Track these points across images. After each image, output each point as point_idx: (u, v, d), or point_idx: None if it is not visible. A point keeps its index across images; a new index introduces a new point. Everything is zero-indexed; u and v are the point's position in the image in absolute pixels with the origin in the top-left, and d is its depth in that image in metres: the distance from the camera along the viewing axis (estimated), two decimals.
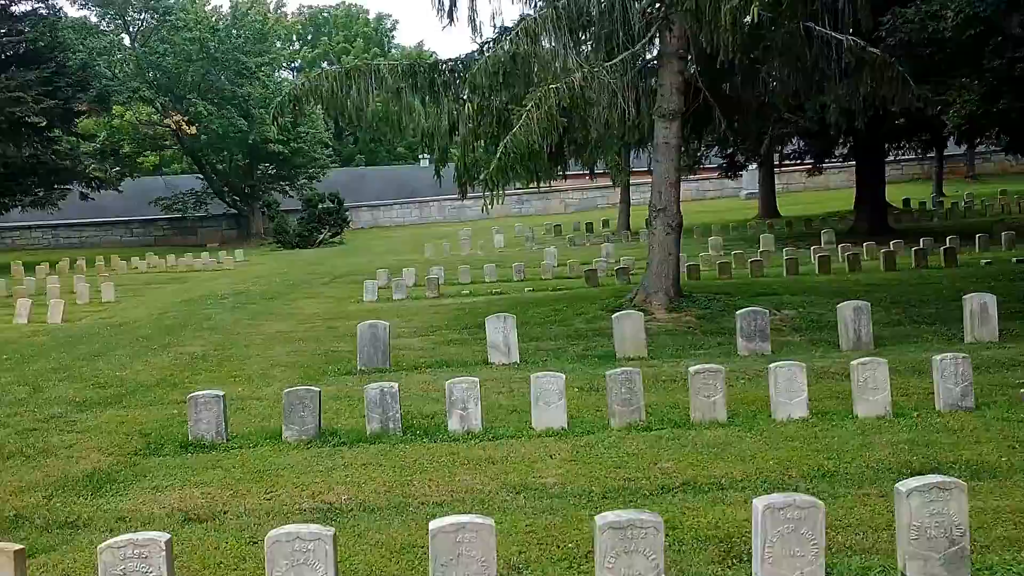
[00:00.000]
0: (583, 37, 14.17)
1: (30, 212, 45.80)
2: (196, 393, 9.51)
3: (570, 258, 28.99)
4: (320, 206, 48.07)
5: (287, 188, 53.45)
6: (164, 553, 5.05)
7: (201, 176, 53.01)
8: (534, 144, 12.22)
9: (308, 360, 14.63)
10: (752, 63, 15.44)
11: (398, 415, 9.51)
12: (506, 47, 13.00)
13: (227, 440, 9.43)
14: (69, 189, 44.18)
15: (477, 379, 9.60)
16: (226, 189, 52.76)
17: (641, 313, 13.73)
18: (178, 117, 46.26)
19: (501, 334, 13.58)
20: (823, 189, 54.23)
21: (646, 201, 48.93)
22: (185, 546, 6.59)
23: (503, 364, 13.39)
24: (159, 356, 15.15)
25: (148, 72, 47.53)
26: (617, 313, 13.72)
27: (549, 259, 28.99)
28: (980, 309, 13.09)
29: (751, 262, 23.13)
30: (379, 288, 23.49)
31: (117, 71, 47.07)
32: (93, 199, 45.95)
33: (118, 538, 5.12)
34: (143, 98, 47.50)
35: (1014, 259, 22.16)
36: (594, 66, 13.41)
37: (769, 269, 23.62)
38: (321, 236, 47.71)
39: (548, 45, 13.46)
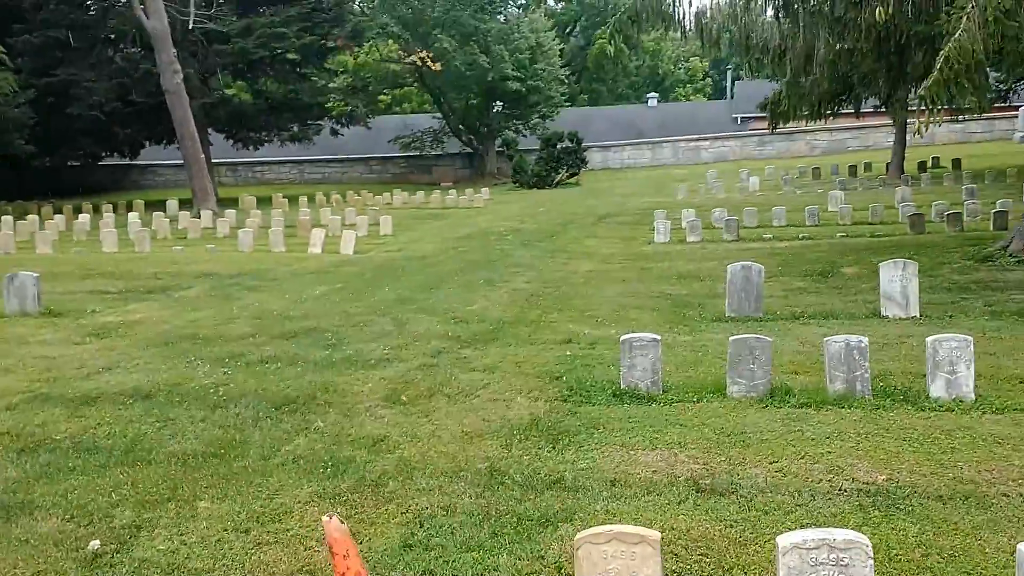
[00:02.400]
0: None
1: (279, 148, 47.27)
2: (631, 336, 8.31)
3: (861, 203, 26.35)
4: (559, 145, 46.94)
5: (520, 127, 52.75)
6: (870, 561, 3.74)
7: (438, 115, 53.11)
8: (979, 53, 10.18)
9: (652, 303, 13.35)
10: None
11: (867, 375, 7.98)
12: None
13: (663, 391, 8.21)
14: (322, 125, 45.16)
15: (970, 338, 7.88)
16: (462, 127, 52.62)
17: None
18: (423, 53, 46.08)
19: (899, 283, 11.75)
20: None
21: (923, 143, 44.40)
22: (720, 528, 5.38)
23: (901, 318, 11.60)
24: (493, 291, 14.31)
25: (395, 7, 47.55)
26: None
27: (834, 203, 26.59)
28: None
29: None
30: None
31: (366, 7, 47.42)
32: (342, 135, 46.88)
33: (804, 535, 3.85)
34: (391, 34, 47.69)
35: None
36: None
37: None
38: (559, 176, 46.71)
39: None
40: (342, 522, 4.12)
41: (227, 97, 41.15)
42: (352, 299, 13.65)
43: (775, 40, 14.63)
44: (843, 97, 17.48)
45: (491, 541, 5.37)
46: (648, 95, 69.56)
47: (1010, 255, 15.12)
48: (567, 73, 57.11)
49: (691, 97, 79.76)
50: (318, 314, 12.40)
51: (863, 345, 7.97)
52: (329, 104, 45.58)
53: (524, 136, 52.40)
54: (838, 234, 21.03)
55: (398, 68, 49.93)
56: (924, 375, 8.51)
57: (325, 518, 4.12)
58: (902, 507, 5.62)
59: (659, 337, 8.32)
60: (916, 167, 38.93)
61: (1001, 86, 32.43)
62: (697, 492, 6.03)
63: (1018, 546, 3.70)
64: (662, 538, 4.16)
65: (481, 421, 7.61)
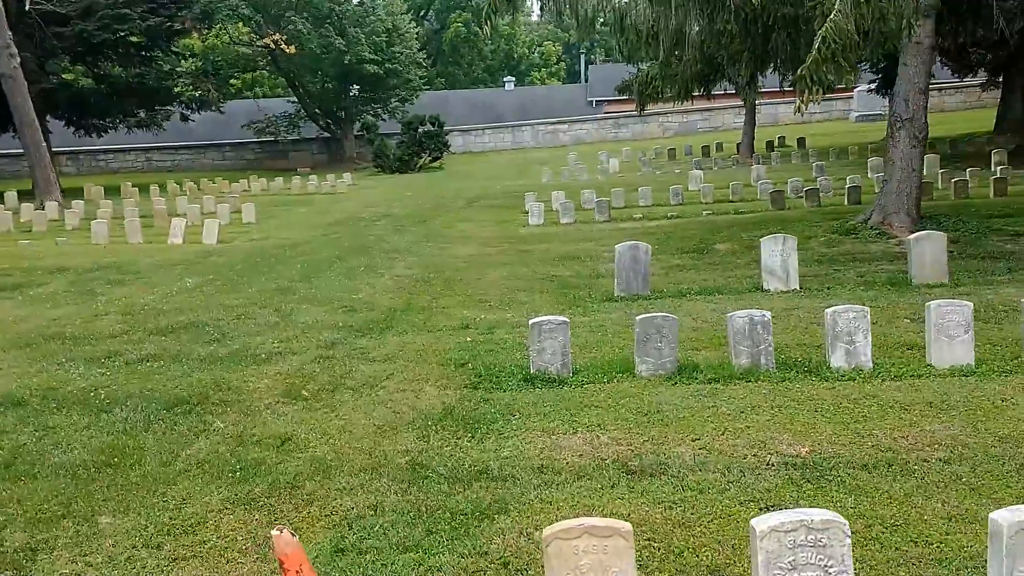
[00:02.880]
0: None
1: (124, 135, 44.87)
2: (540, 319, 8.16)
3: (720, 181, 27.08)
4: (420, 129, 46.39)
5: (379, 111, 51.88)
6: (848, 540, 3.69)
7: (293, 99, 51.61)
8: (852, 34, 10.49)
9: (540, 286, 13.28)
10: None
11: (771, 348, 8.10)
12: None
13: (572, 373, 8.10)
14: (171, 110, 43.12)
15: (867, 308, 8.11)
16: (318, 112, 51.31)
17: (943, 234, 12.08)
18: (276, 36, 44.59)
19: (779, 258, 12.08)
20: (936, 111, 50.84)
21: (767, 123, 45.87)
22: (659, 511, 5.32)
23: (782, 291, 11.93)
24: (376, 278, 13.90)
25: None
26: (915, 235, 12.11)
27: (695, 182, 27.25)
28: None
29: (994, 181, 21.06)
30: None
31: None
32: (193, 121, 44.95)
33: (781, 517, 3.76)
34: (241, 16, 45.91)
35: None
36: None
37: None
38: (421, 160, 46.19)
39: None
40: (293, 535, 3.78)
41: (66, 82, 38.64)
42: (228, 291, 12.98)
43: (648, 22, 14.71)
44: (711, 78, 17.93)
45: (428, 539, 5.11)
46: (505, 78, 69.80)
47: (871, 228, 15.80)
48: (424, 56, 56.46)
49: (546, 81, 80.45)
50: (194, 307, 11.72)
51: (766, 319, 8.09)
52: (178, 88, 43.54)
53: (384, 120, 51.51)
54: (704, 212, 21.55)
55: (249, 51, 48.17)
56: (819, 346, 8.76)
57: (275, 532, 3.77)
58: (831, 478, 5.69)
59: (567, 320, 8.20)
60: (765, 146, 40.47)
61: None
62: (627, 474, 5.94)
63: (990, 516, 3.73)
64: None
65: (392, 413, 7.31)
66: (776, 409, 7.00)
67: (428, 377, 8.25)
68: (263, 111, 51.44)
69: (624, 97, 43.06)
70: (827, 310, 8.13)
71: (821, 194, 22.64)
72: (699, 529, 5.06)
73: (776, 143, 42.23)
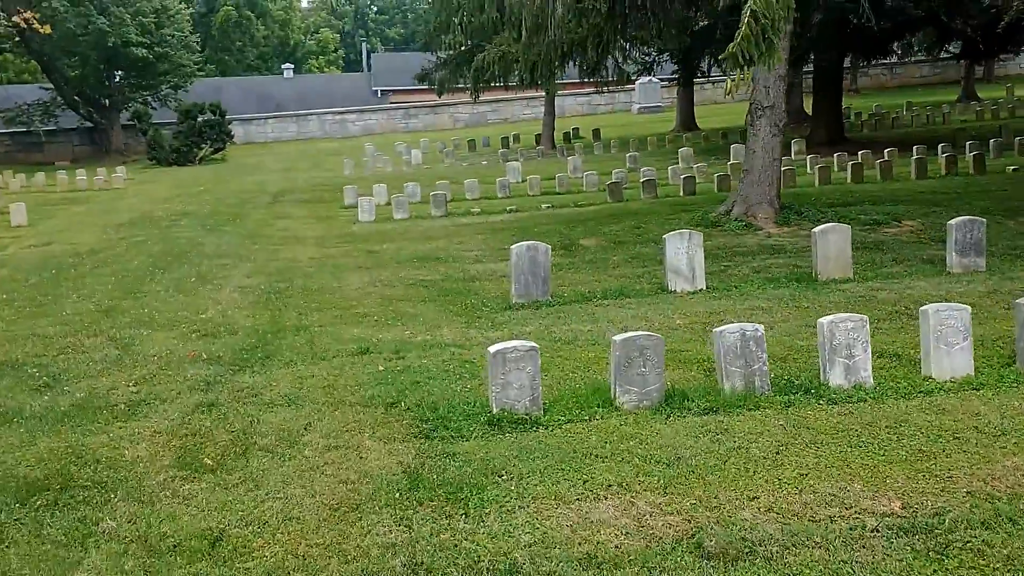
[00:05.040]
0: None
1: None
2: (501, 346, 6.56)
3: (541, 174, 26.11)
4: (200, 118, 42.71)
5: (149, 98, 47.50)
6: None
7: (48, 85, 46.15)
8: (779, 9, 9.53)
9: (416, 293, 11.64)
10: None
11: (765, 367, 6.95)
12: None
13: (544, 411, 6.58)
14: None
15: (865, 317, 7.12)
16: (78, 99, 46.19)
17: (848, 227, 11.50)
18: (28, 14, 39.41)
19: (685, 256, 11.07)
20: (710, 103, 52.74)
21: (567, 114, 45.84)
22: None
23: (690, 292, 10.95)
24: (216, 291, 11.68)
25: None
26: (820, 227, 11.44)
27: (513, 175, 26.21)
28: None
29: (819, 169, 21.28)
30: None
31: None
32: None
33: None
34: None
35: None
36: None
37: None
38: (202, 152, 42.59)
39: None
40: None
41: None
42: (33, 314, 10.38)
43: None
44: (557, 64, 16.88)
45: None
46: (283, 66, 66.30)
47: (735, 220, 15.24)
48: (196, 40, 52.25)
49: (324, 69, 77.38)
50: None
51: (759, 334, 6.94)
52: None
53: (155, 108, 47.16)
54: (543, 205, 20.45)
55: None
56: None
57: None
58: (962, 546, 4.54)
59: (536, 345, 6.67)
60: (563, 138, 40.20)
61: (646, 58, 34.05)
62: (706, 559, 4.54)
63: None
64: None
65: (338, 484, 5.52)
66: (813, 447, 5.84)
67: (359, 426, 6.47)
68: (12, 99, 45.76)
69: (421, 87, 41.58)
70: (821, 320, 7.08)
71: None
72: None
73: (572, 134, 42.09)
